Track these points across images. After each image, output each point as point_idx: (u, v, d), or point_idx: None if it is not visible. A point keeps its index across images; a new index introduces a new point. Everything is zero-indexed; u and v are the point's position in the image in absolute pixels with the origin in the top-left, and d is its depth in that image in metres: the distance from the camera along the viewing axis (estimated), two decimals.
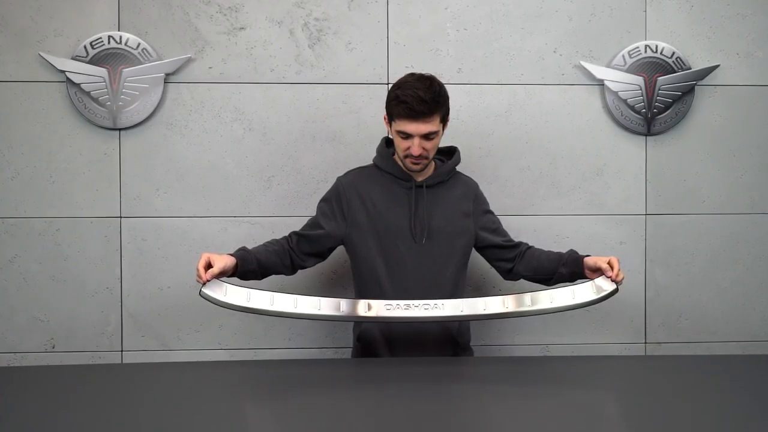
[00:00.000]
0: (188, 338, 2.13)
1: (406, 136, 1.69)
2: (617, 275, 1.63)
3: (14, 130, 2.07)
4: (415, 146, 1.68)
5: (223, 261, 1.61)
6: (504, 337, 2.19)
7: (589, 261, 1.71)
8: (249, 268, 1.69)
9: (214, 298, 1.55)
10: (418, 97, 1.64)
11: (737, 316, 2.22)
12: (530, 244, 1.87)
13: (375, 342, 1.79)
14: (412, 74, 1.73)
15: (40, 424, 1.18)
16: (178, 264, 2.11)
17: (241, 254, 1.68)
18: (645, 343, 2.21)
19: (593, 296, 1.62)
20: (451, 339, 1.81)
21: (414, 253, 1.76)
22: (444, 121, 1.74)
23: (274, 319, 2.09)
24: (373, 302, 1.63)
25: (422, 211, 1.77)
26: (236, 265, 1.66)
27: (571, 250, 1.79)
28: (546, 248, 1.88)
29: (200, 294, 1.56)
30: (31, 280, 2.09)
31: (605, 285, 1.63)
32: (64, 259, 2.09)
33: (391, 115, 1.72)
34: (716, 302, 2.22)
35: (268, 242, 1.79)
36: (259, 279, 1.75)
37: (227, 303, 1.56)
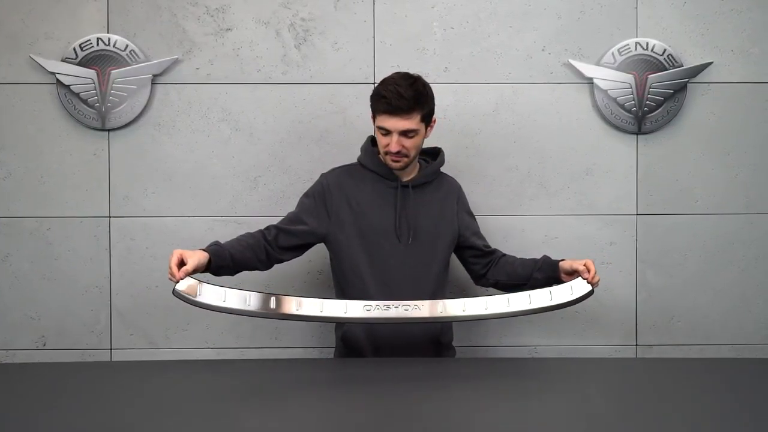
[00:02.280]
0: (176, 337, 2.15)
1: (386, 132, 1.70)
2: (593, 277, 1.64)
3: (6, 131, 2.11)
4: (393, 143, 1.69)
5: (196, 258, 1.55)
6: (491, 338, 2.17)
7: (565, 265, 1.71)
8: (222, 263, 1.63)
9: (188, 298, 1.50)
10: (398, 93, 1.65)
11: (732, 319, 2.17)
12: (513, 249, 1.86)
13: (359, 343, 1.79)
14: (398, 72, 1.74)
15: (31, 420, 1.21)
16: (166, 263, 2.06)
17: (215, 249, 1.62)
18: (636, 345, 2.17)
19: (570, 297, 1.62)
20: (434, 339, 1.81)
21: (398, 253, 1.76)
22: (426, 121, 1.73)
23: (261, 318, 2.10)
24: (351, 303, 1.61)
25: (408, 212, 1.77)
26: (209, 261, 1.60)
27: (545, 255, 1.79)
28: (534, 249, 1.89)
29: (173, 293, 1.51)
30: (23, 279, 2.13)
31: (581, 287, 1.64)
32: (54, 258, 2.13)
33: (374, 111, 1.73)
34: (710, 304, 2.18)
35: (242, 236, 1.72)
36: (232, 275, 1.69)
37: (202, 303, 1.51)
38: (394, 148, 1.69)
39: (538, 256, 1.81)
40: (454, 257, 1.89)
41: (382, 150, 1.74)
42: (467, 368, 1.69)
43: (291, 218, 1.79)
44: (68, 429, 1.17)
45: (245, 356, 2.13)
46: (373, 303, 1.59)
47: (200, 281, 1.53)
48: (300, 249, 1.80)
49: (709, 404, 1.30)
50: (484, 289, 2.12)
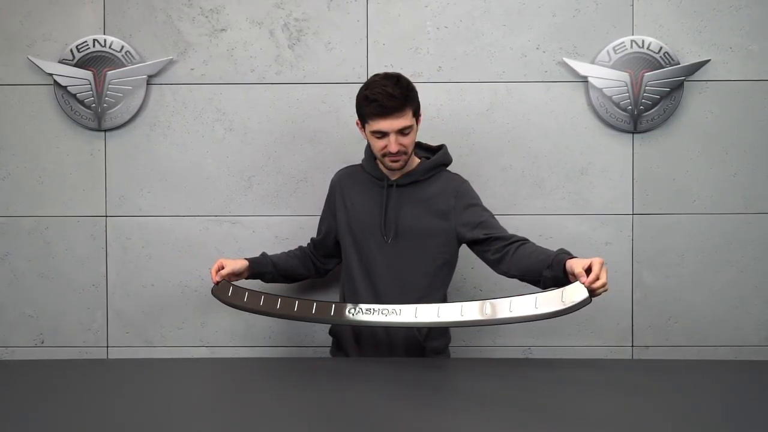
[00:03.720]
0: (171, 335, 2.16)
1: (382, 135, 1.69)
2: (592, 281, 1.41)
3: (5, 131, 2.14)
4: (392, 143, 1.68)
5: (233, 264, 1.78)
6: (485, 338, 2.16)
7: (568, 265, 1.49)
8: (263, 270, 1.85)
9: (220, 296, 1.76)
10: (388, 94, 1.65)
11: (730, 320, 2.14)
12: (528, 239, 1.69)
13: (345, 339, 1.85)
14: (377, 75, 1.74)
15: (28, 415, 1.23)
16: (161, 262, 2.15)
17: (256, 258, 1.85)
18: (632, 346, 2.15)
19: (559, 306, 1.40)
20: (417, 344, 1.79)
21: (384, 251, 1.78)
22: (416, 115, 1.74)
23: (255, 318, 2.11)
24: (338, 305, 1.70)
25: (391, 210, 1.77)
26: (249, 267, 1.81)
27: (561, 249, 1.57)
28: None
29: (211, 293, 1.77)
30: (21, 277, 2.16)
31: (576, 293, 1.39)
32: (52, 257, 2.15)
33: (364, 117, 1.72)
34: (707, 305, 2.15)
35: (295, 248, 1.98)
36: (288, 282, 1.95)
37: (229, 301, 1.75)
38: (393, 148, 1.68)
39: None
40: (463, 258, 1.87)
41: (379, 153, 1.73)
42: (460, 369, 1.67)
43: (318, 227, 1.96)
44: (65, 425, 1.19)
45: (239, 355, 2.14)
46: (356, 306, 1.66)
47: (232, 284, 1.77)
48: (334, 254, 1.94)
49: (707, 406, 1.28)
50: (476, 292, 2.13)
